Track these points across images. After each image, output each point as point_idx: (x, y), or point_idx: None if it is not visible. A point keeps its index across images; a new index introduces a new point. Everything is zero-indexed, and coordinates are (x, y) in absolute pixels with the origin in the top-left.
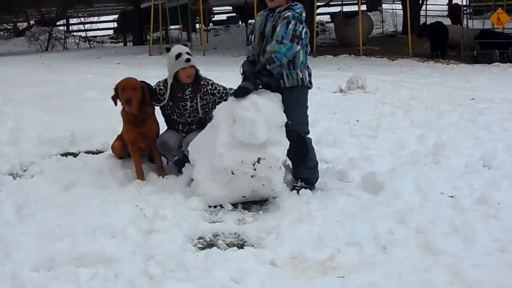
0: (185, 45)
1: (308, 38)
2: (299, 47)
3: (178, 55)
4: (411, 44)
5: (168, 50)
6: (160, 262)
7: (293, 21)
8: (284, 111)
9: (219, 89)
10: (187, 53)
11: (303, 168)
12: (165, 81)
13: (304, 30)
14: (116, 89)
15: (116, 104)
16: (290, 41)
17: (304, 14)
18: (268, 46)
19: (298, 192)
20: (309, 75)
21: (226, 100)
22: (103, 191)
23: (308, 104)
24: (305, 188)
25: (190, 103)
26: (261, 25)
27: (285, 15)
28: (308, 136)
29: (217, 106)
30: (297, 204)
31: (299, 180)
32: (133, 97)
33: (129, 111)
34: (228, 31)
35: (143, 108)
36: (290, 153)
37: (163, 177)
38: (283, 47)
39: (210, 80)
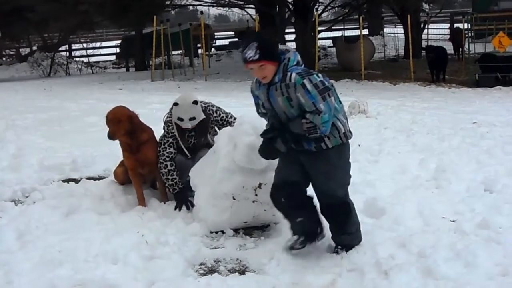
0: (193, 102)
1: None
2: (333, 97)
3: (180, 119)
4: (412, 68)
5: (175, 104)
6: None
7: (306, 81)
8: (323, 173)
9: (222, 116)
10: (190, 119)
11: (344, 235)
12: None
13: (319, 75)
14: (106, 118)
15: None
16: (323, 100)
17: (299, 57)
18: (309, 120)
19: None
20: (347, 121)
21: (228, 125)
22: (104, 217)
23: None
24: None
25: (196, 139)
26: (266, 102)
27: (293, 82)
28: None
29: (218, 131)
30: None
31: (339, 247)
32: (117, 130)
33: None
34: (230, 56)
35: (136, 136)
36: (328, 218)
37: (164, 203)
38: (325, 114)
39: (213, 106)
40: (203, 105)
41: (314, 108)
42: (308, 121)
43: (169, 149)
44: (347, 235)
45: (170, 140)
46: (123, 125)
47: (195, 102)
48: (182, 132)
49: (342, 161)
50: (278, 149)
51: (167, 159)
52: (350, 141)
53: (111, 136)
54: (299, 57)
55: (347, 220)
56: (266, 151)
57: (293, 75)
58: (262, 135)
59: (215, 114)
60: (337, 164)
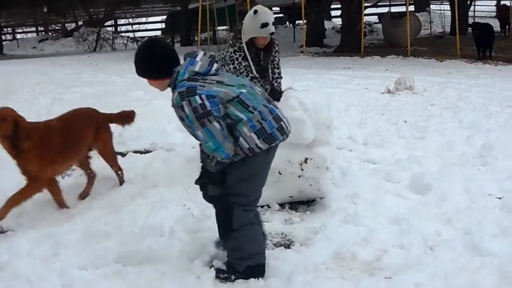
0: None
1: (217, 97)
2: (215, 123)
3: (265, 25)
4: (459, 45)
5: (255, 12)
6: (207, 261)
7: (185, 103)
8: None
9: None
10: (272, 23)
11: (226, 243)
12: (236, 43)
13: (203, 96)
14: None
15: None
16: (201, 126)
17: (197, 67)
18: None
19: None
20: (260, 133)
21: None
22: (150, 190)
23: (356, 104)
24: (222, 273)
25: (264, 63)
26: None
27: (175, 102)
28: (247, 210)
29: None
30: (344, 205)
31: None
32: None
33: None
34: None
35: (16, 142)
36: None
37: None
38: (207, 143)
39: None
40: None
41: (193, 135)
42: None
43: (244, 62)
44: (227, 245)
45: (243, 55)
46: (5, 125)
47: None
48: (252, 54)
49: (249, 175)
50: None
51: (244, 71)
52: (394, 118)
53: None
54: (197, 67)
55: (229, 228)
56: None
57: (175, 95)
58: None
59: (277, 48)
60: (239, 173)
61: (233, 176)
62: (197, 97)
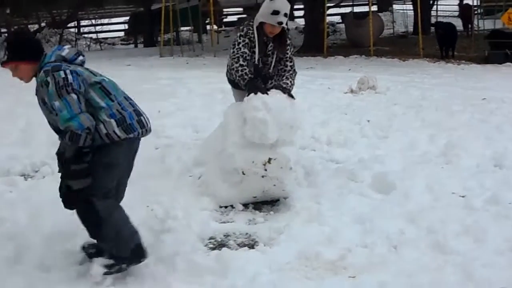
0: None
1: (80, 76)
2: (73, 95)
3: (275, 12)
4: (422, 44)
5: None
6: (171, 262)
7: (49, 78)
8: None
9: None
10: (285, 14)
11: (102, 237)
12: (244, 28)
13: (68, 71)
14: None
15: None
16: (59, 97)
17: (65, 52)
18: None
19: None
20: (120, 121)
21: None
22: None
23: (320, 104)
24: (111, 267)
25: (271, 59)
26: None
27: (39, 81)
28: (108, 197)
29: (227, 106)
30: (308, 204)
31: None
32: None
33: None
34: None
35: None
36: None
37: None
38: (62, 112)
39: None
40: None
41: (52, 108)
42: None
43: (243, 49)
44: (104, 243)
45: (247, 41)
46: None
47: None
48: (261, 39)
49: (106, 164)
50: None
51: (241, 58)
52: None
53: None
54: (64, 53)
55: (98, 225)
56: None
57: (40, 73)
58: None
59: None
60: (98, 162)
61: (95, 165)
62: (61, 72)
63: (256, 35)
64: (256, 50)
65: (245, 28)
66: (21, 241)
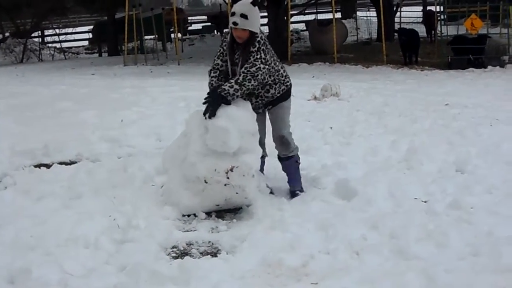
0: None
1: None
2: None
3: (232, 14)
4: (385, 51)
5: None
6: (134, 272)
7: None
8: None
9: (275, 62)
10: (241, 15)
11: None
12: (226, 35)
13: None
14: None
15: None
16: None
17: None
18: None
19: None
20: None
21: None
22: (75, 201)
23: None
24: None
25: (239, 69)
26: None
27: None
28: None
29: (189, 114)
30: (271, 212)
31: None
32: None
33: None
34: (203, 40)
35: None
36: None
37: None
38: None
39: (262, 46)
40: (265, 39)
41: None
42: None
43: (216, 60)
44: None
45: (221, 50)
46: None
47: (253, 3)
48: (232, 44)
49: None
50: None
51: (212, 70)
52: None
53: None
54: None
55: None
56: None
57: None
58: None
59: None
60: None
61: None
62: None
63: (228, 41)
64: (228, 55)
65: (223, 36)
66: None
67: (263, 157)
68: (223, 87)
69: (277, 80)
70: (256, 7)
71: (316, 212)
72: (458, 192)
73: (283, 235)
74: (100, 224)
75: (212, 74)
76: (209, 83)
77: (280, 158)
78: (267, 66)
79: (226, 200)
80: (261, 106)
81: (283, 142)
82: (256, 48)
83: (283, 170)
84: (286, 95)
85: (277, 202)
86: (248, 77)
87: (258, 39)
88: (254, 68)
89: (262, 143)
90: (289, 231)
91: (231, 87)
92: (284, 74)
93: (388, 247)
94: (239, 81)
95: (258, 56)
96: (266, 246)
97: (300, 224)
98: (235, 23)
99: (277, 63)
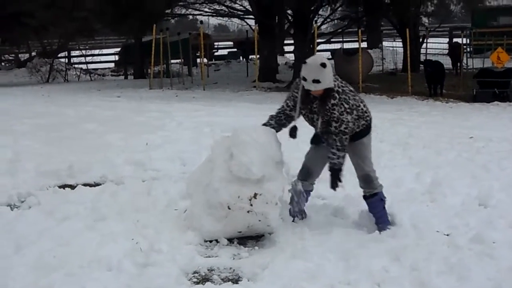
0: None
1: None
2: None
3: (304, 79)
4: (410, 82)
5: (304, 63)
6: None
7: None
8: None
9: (360, 107)
10: (313, 80)
11: None
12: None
13: None
14: None
15: None
16: None
17: None
18: None
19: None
20: None
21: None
22: (99, 223)
23: (306, 141)
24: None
25: (317, 116)
26: None
27: None
28: None
29: (214, 140)
30: (293, 240)
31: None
32: None
33: None
34: (228, 66)
35: None
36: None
37: None
38: None
39: (342, 96)
40: (340, 83)
41: None
42: None
43: (286, 103)
44: None
45: (292, 97)
46: None
47: (323, 65)
48: (306, 95)
49: None
50: None
51: (281, 108)
52: None
53: None
54: None
55: None
56: None
57: None
58: None
59: (336, 104)
60: None
61: None
62: None
63: (300, 89)
64: (298, 104)
65: (295, 82)
66: (5, 271)
67: (310, 191)
68: (333, 161)
69: (356, 117)
70: (327, 66)
71: (338, 242)
72: (481, 226)
73: (304, 264)
74: (123, 247)
75: (277, 113)
76: (269, 120)
77: (365, 197)
78: (354, 112)
79: (248, 227)
80: None
81: (366, 180)
82: (337, 101)
83: (370, 210)
84: (366, 130)
85: (299, 231)
86: (343, 137)
87: (336, 89)
88: (343, 126)
89: (312, 175)
90: (310, 260)
91: (338, 158)
92: (364, 109)
93: (409, 279)
94: (339, 147)
95: (342, 109)
96: (287, 274)
97: (322, 253)
98: (309, 90)
99: (357, 99)
